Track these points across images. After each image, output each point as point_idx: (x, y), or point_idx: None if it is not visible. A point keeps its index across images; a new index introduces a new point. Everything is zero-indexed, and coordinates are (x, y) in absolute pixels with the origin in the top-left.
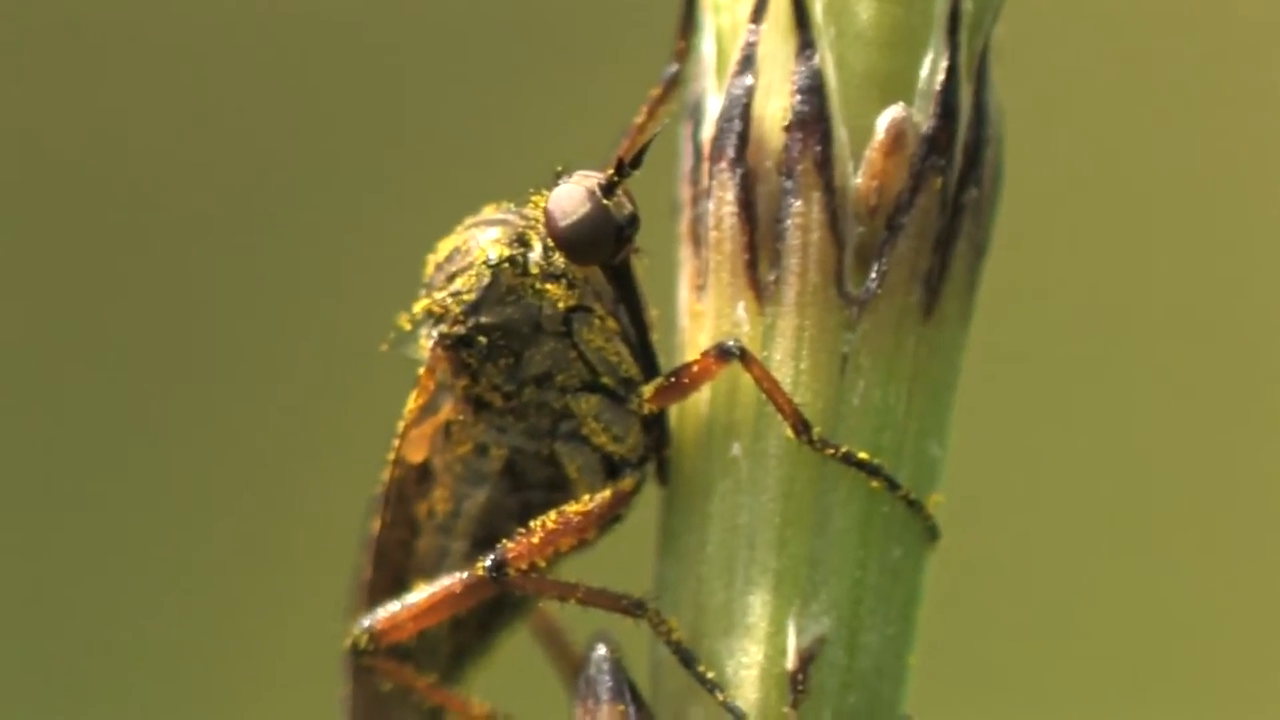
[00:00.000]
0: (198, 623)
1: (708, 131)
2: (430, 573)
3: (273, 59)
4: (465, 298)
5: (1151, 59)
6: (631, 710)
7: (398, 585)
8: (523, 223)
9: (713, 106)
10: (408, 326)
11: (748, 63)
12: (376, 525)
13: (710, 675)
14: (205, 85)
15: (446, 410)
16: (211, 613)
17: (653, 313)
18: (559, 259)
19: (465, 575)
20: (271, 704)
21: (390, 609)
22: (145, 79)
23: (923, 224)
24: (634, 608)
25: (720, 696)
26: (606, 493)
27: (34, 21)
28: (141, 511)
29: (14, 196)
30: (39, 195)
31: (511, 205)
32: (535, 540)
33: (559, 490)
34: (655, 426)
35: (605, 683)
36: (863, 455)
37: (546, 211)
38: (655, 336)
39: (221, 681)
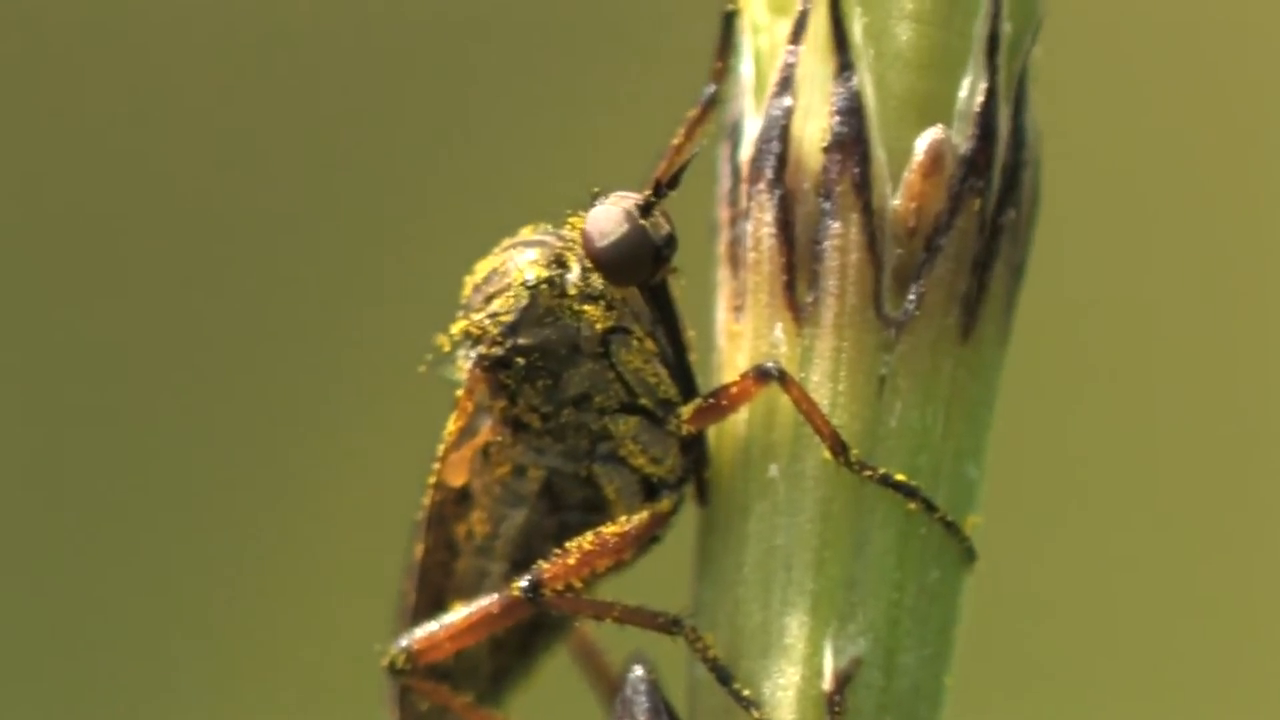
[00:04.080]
0: (234, 648)
1: (746, 153)
2: (469, 594)
3: (305, 73)
4: (503, 319)
5: (1192, 82)
6: None
7: (437, 606)
8: (560, 244)
9: (751, 128)
10: (446, 348)
11: (786, 84)
12: (419, 551)
13: (747, 694)
14: (234, 98)
15: (485, 432)
16: (248, 638)
17: (690, 334)
18: (597, 280)
19: (502, 596)
20: None
21: (428, 629)
22: (148, 87)
23: (961, 245)
24: (670, 625)
25: (756, 715)
26: (644, 514)
27: (41, 20)
28: (179, 541)
29: (18, 197)
30: (44, 198)
31: (549, 226)
32: (571, 561)
33: (597, 511)
34: (693, 448)
35: (642, 704)
36: (900, 477)
37: (584, 232)
38: (693, 357)
39: (258, 706)
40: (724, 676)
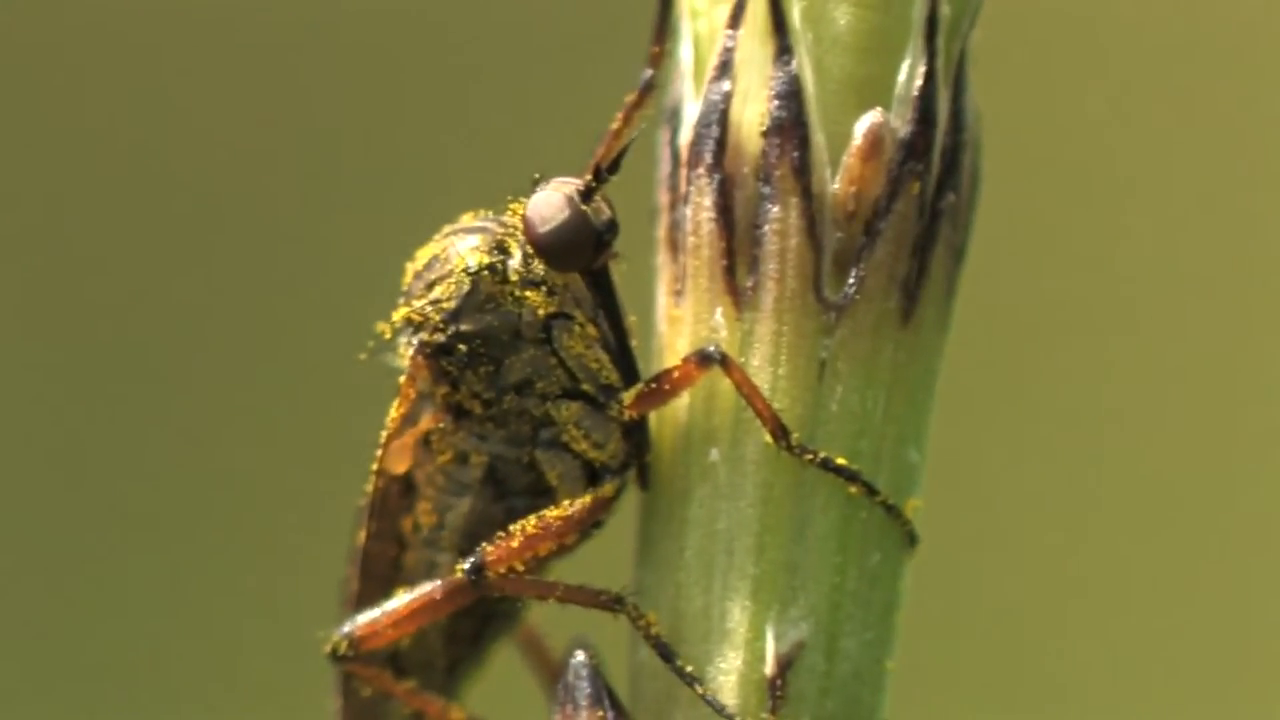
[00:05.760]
0: (182, 631)
1: (685, 137)
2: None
3: (254, 67)
4: (445, 305)
5: (1129, 63)
6: (610, 716)
7: (386, 599)
8: (501, 230)
9: (690, 112)
10: (387, 335)
11: (725, 68)
12: (362, 537)
13: (690, 670)
14: (187, 88)
15: (427, 420)
16: (196, 623)
17: (631, 319)
18: (538, 266)
19: (444, 581)
20: (260, 713)
21: (370, 615)
22: (125, 83)
23: (900, 229)
24: (613, 603)
25: (700, 690)
26: (587, 498)
27: (40, 19)
28: (121, 524)
29: (17, 195)
30: (37, 196)
31: (490, 212)
32: (515, 544)
33: (541, 497)
34: (636, 433)
35: (584, 689)
36: (841, 461)
37: (525, 218)
38: (634, 342)
39: (206, 693)
40: (666, 654)
